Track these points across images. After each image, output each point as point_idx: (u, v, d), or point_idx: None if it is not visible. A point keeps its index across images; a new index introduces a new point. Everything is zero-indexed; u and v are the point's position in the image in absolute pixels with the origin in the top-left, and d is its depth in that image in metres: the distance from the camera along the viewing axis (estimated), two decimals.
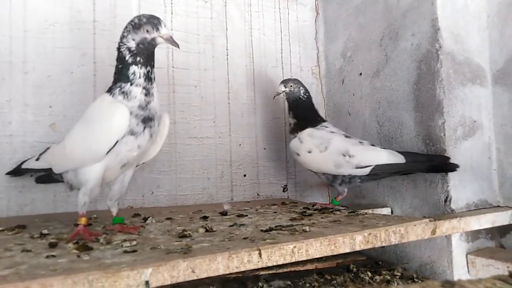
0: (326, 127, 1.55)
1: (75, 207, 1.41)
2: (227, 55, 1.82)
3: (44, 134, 1.41)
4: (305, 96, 1.60)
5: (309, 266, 1.47)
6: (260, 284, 1.20)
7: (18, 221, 1.21)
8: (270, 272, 1.35)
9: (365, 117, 1.78)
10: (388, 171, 1.46)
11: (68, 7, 1.49)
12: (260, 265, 0.88)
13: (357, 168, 1.44)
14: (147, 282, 0.75)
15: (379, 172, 1.45)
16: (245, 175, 1.81)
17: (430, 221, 1.10)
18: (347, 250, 0.99)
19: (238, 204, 1.64)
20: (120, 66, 1.09)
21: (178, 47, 1.11)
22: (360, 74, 1.82)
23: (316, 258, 1.02)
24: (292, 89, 1.59)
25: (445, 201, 1.38)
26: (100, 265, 0.75)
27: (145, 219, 1.27)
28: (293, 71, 2.00)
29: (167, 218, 1.30)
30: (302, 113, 1.59)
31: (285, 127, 1.94)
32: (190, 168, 1.69)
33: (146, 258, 0.79)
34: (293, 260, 0.93)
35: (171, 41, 1.10)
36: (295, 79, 1.62)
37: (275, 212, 1.41)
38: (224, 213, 1.39)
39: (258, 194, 1.84)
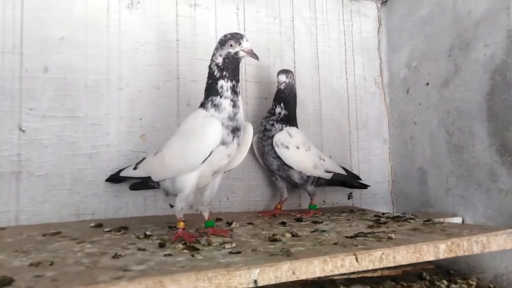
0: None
1: (162, 211, 1.57)
2: (294, 67, 1.90)
3: (135, 144, 1.56)
4: (296, 91, 1.66)
5: (378, 273, 1.50)
6: None
7: (117, 223, 1.34)
8: (344, 277, 1.41)
9: (432, 127, 1.79)
10: (337, 180, 1.70)
11: (155, 29, 1.64)
12: (351, 270, 0.94)
13: (326, 172, 1.64)
14: (255, 281, 0.84)
15: (334, 179, 1.68)
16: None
17: None
18: (431, 258, 1.03)
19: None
20: (210, 81, 1.21)
21: (258, 59, 1.21)
22: (427, 84, 1.83)
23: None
24: (291, 80, 1.62)
25: None
26: (218, 264, 0.84)
27: (229, 223, 1.37)
28: (357, 81, 2.05)
29: (248, 223, 1.39)
30: (292, 107, 1.64)
31: (349, 136, 1.99)
32: (261, 175, 1.78)
33: (254, 259, 0.88)
34: (381, 266, 0.98)
35: (251, 53, 1.19)
36: (291, 71, 1.65)
37: (348, 220, 1.46)
38: (299, 219, 1.47)
39: (324, 201, 1.90)
